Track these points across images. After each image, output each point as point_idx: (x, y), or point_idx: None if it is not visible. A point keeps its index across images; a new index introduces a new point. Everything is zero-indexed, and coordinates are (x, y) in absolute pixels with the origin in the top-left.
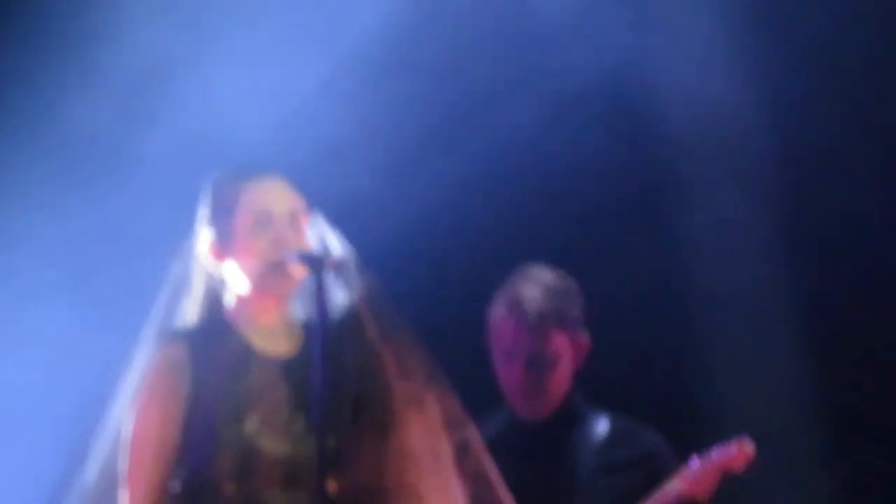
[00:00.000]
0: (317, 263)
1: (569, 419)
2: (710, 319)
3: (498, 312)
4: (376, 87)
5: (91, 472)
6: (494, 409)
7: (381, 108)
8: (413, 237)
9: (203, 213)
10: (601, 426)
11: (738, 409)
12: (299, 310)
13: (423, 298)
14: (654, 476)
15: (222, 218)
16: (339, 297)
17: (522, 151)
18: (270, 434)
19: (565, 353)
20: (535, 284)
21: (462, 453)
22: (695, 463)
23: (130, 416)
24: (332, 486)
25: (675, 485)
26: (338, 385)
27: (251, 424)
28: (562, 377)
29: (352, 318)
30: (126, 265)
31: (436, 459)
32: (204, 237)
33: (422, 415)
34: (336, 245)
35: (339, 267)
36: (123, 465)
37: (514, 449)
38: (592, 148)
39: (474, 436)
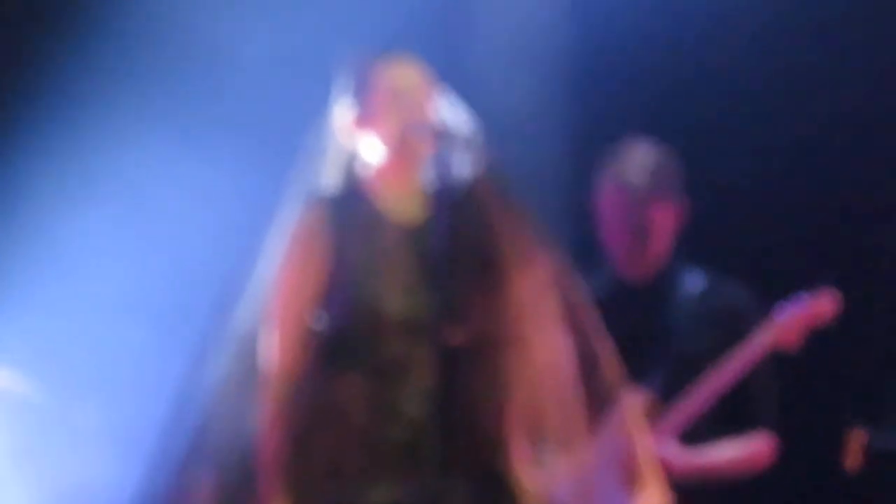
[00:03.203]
0: (444, 138)
1: (667, 279)
2: None
3: (605, 185)
4: None
5: (244, 313)
6: (600, 268)
7: None
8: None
9: (339, 88)
10: (696, 283)
11: None
12: (427, 181)
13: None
14: (740, 326)
15: (358, 94)
16: (464, 169)
17: None
18: (397, 291)
19: (666, 221)
20: (638, 159)
21: (569, 309)
22: (781, 314)
23: (279, 266)
24: (456, 336)
25: (763, 336)
26: (458, 248)
27: (380, 282)
28: (663, 242)
29: (473, 188)
30: (273, 133)
31: (543, 312)
32: (340, 112)
33: (531, 273)
34: (463, 120)
35: (464, 141)
36: (272, 304)
37: (618, 306)
38: None
39: (580, 294)
